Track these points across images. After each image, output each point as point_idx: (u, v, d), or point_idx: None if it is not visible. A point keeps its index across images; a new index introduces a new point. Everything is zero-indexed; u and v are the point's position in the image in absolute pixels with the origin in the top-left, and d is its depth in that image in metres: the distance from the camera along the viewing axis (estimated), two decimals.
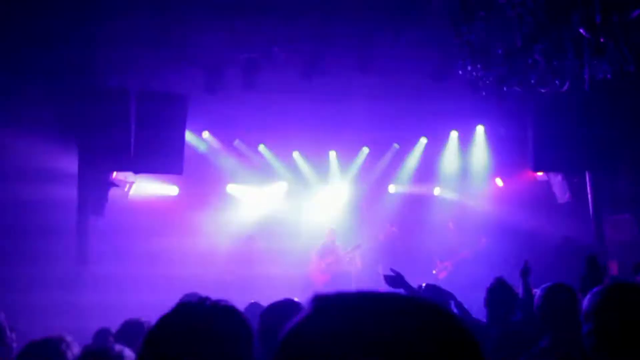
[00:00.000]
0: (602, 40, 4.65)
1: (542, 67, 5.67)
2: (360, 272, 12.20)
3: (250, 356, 1.47)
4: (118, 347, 2.63)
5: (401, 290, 4.66)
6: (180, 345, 1.37)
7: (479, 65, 5.67)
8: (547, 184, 12.51)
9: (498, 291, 4.26)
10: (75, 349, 2.77)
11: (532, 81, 6.09)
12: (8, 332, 3.86)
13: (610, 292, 2.19)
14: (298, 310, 2.63)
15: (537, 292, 4.87)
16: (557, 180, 11.66)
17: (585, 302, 2.24)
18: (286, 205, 13.43)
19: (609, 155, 10.61)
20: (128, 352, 2.60)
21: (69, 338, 2.88)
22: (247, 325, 1.49)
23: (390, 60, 10.29)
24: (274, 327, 2.70)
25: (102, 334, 4.37)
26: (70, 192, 9.47)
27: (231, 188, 13.30)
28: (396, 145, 13.79)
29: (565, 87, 5.77)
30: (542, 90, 6.11)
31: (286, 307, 2.81)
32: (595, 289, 2.26)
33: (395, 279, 4.46)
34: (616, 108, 9.98)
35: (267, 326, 2.69)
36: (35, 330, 6.85)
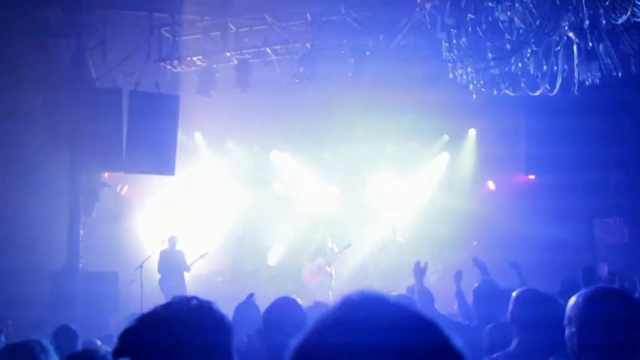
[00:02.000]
0: (591, 44, 4.68)
1: (533, 71, 5.71)
2: (352, 272, 12.21)
3: (230, 354, 1.51)
4: (103, 350, 2.63)
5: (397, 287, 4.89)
6: (156, 340, 1.41)
7: (469, 69, 5.70)
8: (539, 186, 12.57)
9: (485, 292, 4.29)
10: (52, 353, 2.74)
11: (523, 85, 6.12)
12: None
13: (592, 296, 2.20)
14: (297, 308, 2.64)
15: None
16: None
17: (568, 305, 2.26)
18: (279, 206, 13.42)
19: (600, 158, 10.69)
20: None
21: (45, 342, 2.84)
22: (226, 324, 1.53)
23: (382, 63, 10.32)
24: (276, 324, 2.75)
25: (64, 330, 4.31)
26: (62, 192, 9.46)
27: (224, 188, 13.27)
28: (390, 147, 13.79)
29: (554, 91, 5.80)
30: (533, 94, 6.14)
31: (285, 305, 2.87)
32: (578, 293, 2.27)
33: (420, 270, 4.99)
34: (607, 111, 10.05)
35: (269, 323, 2.75)
36: (25, 321, 6.89)
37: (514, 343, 3.07)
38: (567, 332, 2.23)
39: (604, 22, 4.55)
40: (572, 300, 2.26)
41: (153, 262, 10.56)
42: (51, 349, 2.78)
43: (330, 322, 0.85)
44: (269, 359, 2.69)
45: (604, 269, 10.60)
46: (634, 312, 2.13)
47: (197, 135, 12.64)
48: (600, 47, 5.26)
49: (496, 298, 4.37)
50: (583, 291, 2.26)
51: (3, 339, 5.28)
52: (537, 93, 6.42)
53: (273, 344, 2.70)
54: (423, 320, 0.86)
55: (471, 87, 6.19)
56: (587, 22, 4.53)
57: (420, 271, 4.98)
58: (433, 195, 13.65)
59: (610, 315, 2.11)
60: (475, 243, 11.63)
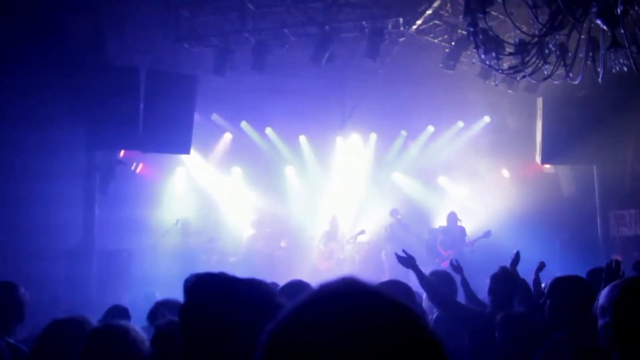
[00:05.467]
0: (622, 32, 4.59)
1: (557, 59, 5.62)
2: (364, 258, 12.22)
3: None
4: (124, 323, 2.64)
5: (407, 273, 4.75)
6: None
7: (493, 54, 5.62)
8: (553, 176, 12.48)
9: (501, 279, 4.27)
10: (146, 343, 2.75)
11: (545, 72, 6.03)
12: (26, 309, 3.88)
13: (628, 286, 2.18)
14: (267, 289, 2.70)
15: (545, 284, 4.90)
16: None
17: (602, 296, 2.24)
18: (290, 190, 13.43)
19: (616, 149, 10.57)
20: (134, 328, 2.62)
21: (90, 319, 2.91)
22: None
23: (400, 47, 10.23)
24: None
25: (116, 310, 4.38)
26: (78, 169, 9.50)
27: (237, 171, 13.27)
28: (404, 133, 13.74)
29: (578, 80, 5.71)
30: (555, 82, 6.05)
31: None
32: (612, 283, 2.25)
33: (407, 260, 4.54)
34: (624, 102, 9.91)
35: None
36: (41, 298, 6.95)
37: (561, 330, 3.06)
38: (600, 322, 2.21)
39: (636, 8, 4.46)
40: (606, 290, 2.23)
41: (166, 242, 10.66)
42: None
43: (303, 310, 0.85)
44: None
45: None
46: None
47: (215, 117, 12.61)
48: (629, 35, 5.16)
49: (511, 287, 4.35)
50: (618, 281, 2.24)
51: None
52: (560, 81, 6.34)
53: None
54: (399, 309, 0.85)
55: (493, 73, 6.11)
56: (619, 8, 4.43)
57: (408, 261, 4.55)
58: (446, 181, 13.63)
59: None
60: (488, 230, 11.53)
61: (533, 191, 12.24)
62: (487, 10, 5.22)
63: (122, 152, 10.53)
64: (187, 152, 9.85)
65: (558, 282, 3.26)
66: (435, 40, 9.94)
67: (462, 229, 11.96)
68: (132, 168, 11.26)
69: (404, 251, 4.63)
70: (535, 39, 5.33)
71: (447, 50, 9.84)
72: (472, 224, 12.14)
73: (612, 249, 10.73)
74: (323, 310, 0.84)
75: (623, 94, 9.72)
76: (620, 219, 10.99)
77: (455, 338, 4.14)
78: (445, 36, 9.82)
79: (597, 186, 11.19)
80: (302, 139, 13.59)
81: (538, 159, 10.85)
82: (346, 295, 0.86)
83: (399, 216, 12.07)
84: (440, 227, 12.27)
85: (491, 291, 4.28)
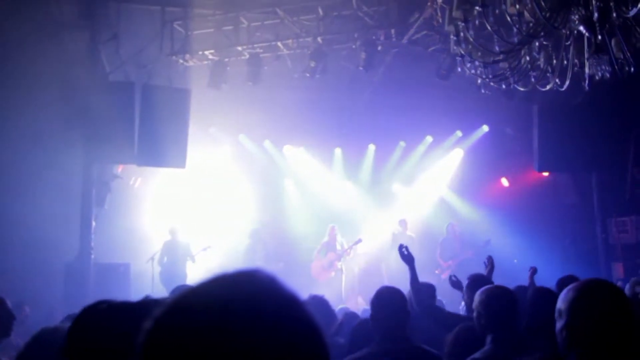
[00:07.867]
0: (601, 38, 4.59)
1: (542, 65, 5.62)
2: (363, 270, 12.18)
3: None
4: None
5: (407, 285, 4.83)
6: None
7: (477, 62, 5.64)
8: (553, 184, 12.44)
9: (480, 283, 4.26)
10: None
11: (532, 79, 6.02)
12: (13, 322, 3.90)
13: (583, 288, 2.17)
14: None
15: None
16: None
17: (559, 298, 2.23)
18: (289, 202, 13.45)
19: (615, 155, 10.51)
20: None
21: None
22: None
23: (395, 58, 10.27)
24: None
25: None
26: (74, 184, 9.56)
27: (236, 183, 13.30)
28: (402, 144, 13.74)
29: (565, 86, 5.70)
30: (543, 89, 6.04)
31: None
32: (569, 286, 2.24)
33: (407, 257, 4.76)
34: (622, 108, 9.88)
35: None
36: (38, 311, 6.96)
37: (488, 342, 3.07)
38: (557, 325, 2.20)
39: (614, 14, 4.46)
40: (563, 293, 2.23)
41: (163, 255, 10.66)
42: None
43: (180, 304, 0.84)
44: None
45: (618, 269, 10.46)
46: (625, 305, 2.10)
47: (212, 130, 12.68)
48: (612, 41, 5.16)
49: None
50: (574, 284, 2.23)
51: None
52: (547, 88, 6.33)
53: None
54: (283, 299, 0.84)
55: (479, 81, 6.11)
56: (595, 14, 4.44)
57: (408, 258, 4.75)
58: (445, 191, 13.60)
59: (601, 308, 2.08)
60: (487, 240, 11.49)
61: (533, 199, 12.20)
62: (469, 18, 5.24)
63: (120, 167, 10.59)
64: (183, 165, 9.89)
65: (483, 293, 3.27)
66: (429, 50, 9.97)
67: (461, 239, 11.93)
68: (131, 183, 11.32)
69: (406, 248, 4.85)
70: (518, 47, 5.34)
71: (439, 59, 9.86)
72: (472, 234, 12.10)
73: (613, 256, 10.66)
74: (204, 300, 0.82)
75: (620, 100, 9.68)
76: (620, 225, 10.92)
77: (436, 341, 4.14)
78: (438, 46, 9.85)
79: (596, 193, 11.13)
80: (301, 150, 13.64)
81: (535, 166, 10.81)
82: (234, 284, 0.85)
83: (400, 228, 12.06)
84: (439, 237, 12.24)
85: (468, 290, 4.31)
